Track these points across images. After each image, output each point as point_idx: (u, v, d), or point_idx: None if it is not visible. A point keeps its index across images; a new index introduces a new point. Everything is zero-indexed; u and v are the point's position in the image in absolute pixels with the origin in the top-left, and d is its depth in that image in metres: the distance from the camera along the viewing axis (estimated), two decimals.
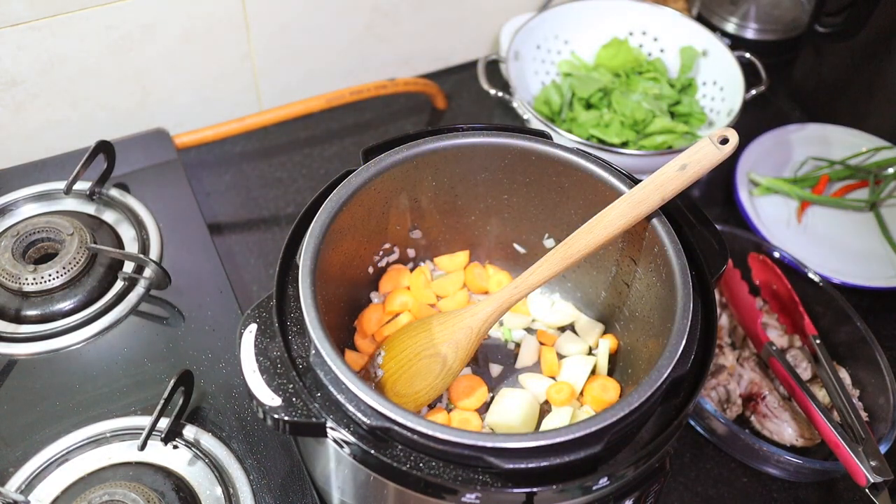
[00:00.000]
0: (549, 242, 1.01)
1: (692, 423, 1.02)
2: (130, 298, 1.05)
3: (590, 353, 1.00)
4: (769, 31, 1.51)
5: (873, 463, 0.88)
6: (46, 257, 1.06)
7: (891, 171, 1.32)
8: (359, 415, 0.71)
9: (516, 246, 1.04)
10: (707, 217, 0.89)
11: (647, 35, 1.38)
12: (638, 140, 1.26)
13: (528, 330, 1.02)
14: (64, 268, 1.03)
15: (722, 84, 1.31)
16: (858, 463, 0.89)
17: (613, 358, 0.98)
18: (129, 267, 1.07)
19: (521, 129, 0.95)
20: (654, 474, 0.77)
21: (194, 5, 1.19)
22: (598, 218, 0.84)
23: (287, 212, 1.26)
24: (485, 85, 1.31)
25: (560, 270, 0.85)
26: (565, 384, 0.94)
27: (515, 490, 0.70)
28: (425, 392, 0.88)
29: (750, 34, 1.51)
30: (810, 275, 1.12)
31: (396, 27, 1.37)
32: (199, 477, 0.90)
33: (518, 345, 1.00)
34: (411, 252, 1.03)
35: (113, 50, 1.18)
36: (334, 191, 0.86)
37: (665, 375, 0.74)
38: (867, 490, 0.88)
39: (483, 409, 0.94)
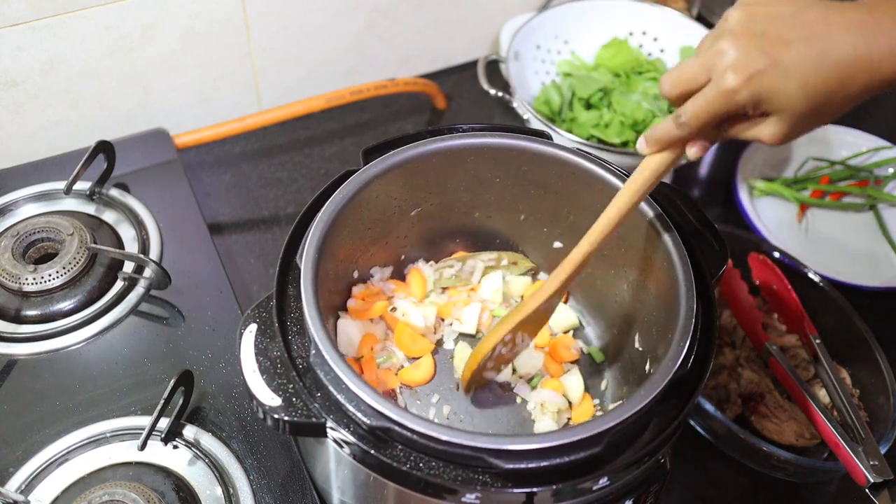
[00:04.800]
0: (556, 244, 1.01)
1: (692, 423, 1.02)
2: (130, 298, 1.05)
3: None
4: None
5: (873, 463, 0.88)
6: (46, 257, 1.06)
7: (891, 171, 1.32)
8: (359, 415, 0.71)
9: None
10: (707, 217, 0.89)
11: (647, 35, 1.38)
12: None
13: None
14: (64, 268, 1.03)
15: None
16: (858, 463, 0.88)
17: (612, 353, 0.98)
18: (129, 267, 1.07)
19: (521, 129, 0.95)
20: (654, 474, 0.77)
21: (194, 5, 1.19)
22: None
23: (287, 212, 1.26)
24: (485, 85, 1.31)
25: (611, 229, 0.83)
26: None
27: (515, 490, 0.70)
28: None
29: None
30: (810, 275, 1.12)
31: (396, 27, 1.37)
32: (199, 477, 0.90)
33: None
34: (406, 252, 1.03)
35: (113, 50, 1.18)
36: (336, 191, 0.86)
37: (668, 379, 0.74)
38: (867, 490, 0.88)
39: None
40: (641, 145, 0.79)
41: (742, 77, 0.68)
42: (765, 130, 0.71)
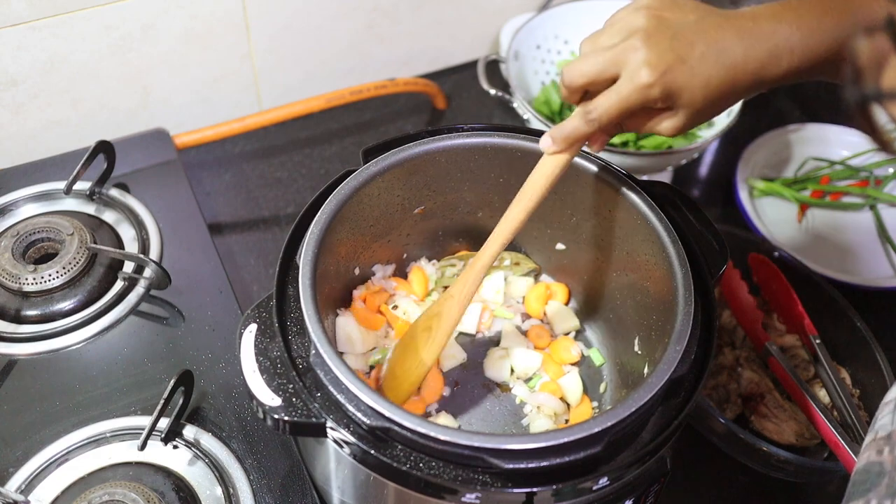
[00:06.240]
0: (559, 246, 1.01)
1: (692, 423, 1.02)
2: (130, 298, 1.05)
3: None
4: None
5: None
6: (46, 257, 1.06)
7: (891, 170, 1.32)
8: (359, 415, 0.71)
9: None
10: (707, 217, 0.89)
11: None
12: (638, 140, 1.26)
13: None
14: (64, 268, 1.03)
15: None
16: None
17: (612, 355, 0.98)
18: (129, 267, 1.07)
19: (521, 129, 0.95)
20: (654, 474, 0.77)
21: (194, 5, 1.19)
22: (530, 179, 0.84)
23: (287, 212, 1.26)
24: (485, 85, 1.31)
25: (516, 227, 0.84)
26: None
27: (515, 490, 0.70)
28: (415, 367, 0.88)
29: None
30: (810, 275, 1.12)
31: (396, 27, 1.37)
32: (199, 477, 0.90)
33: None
34: (408, 250, 1.03)
35: (113, 50, 1.18)
36: (335, 191, 0.86)
37: (666, 378, 0.74)
38: None
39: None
40: (546, 144, 0.80)
41: (657, 73, 0.72)
42: (664, 124, 0.77)
